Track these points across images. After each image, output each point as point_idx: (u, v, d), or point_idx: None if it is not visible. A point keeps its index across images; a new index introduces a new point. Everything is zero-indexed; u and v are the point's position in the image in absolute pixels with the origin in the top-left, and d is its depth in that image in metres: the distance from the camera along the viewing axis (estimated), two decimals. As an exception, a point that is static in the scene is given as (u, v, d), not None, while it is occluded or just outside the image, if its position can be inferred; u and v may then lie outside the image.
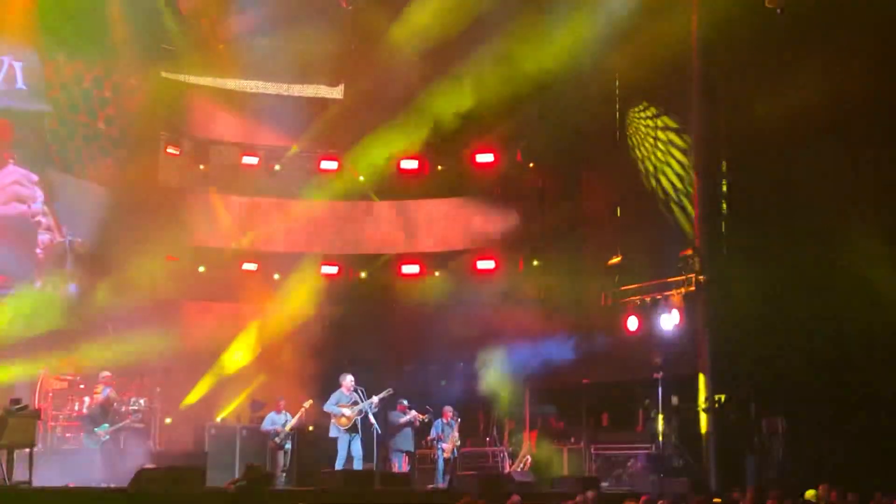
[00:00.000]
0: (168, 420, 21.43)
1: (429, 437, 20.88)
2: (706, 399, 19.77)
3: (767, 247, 19.17)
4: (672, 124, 21.90)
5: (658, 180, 22.10)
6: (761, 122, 19.06)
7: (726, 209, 20.10)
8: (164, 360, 21.48)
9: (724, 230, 20.12)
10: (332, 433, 19.17)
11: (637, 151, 22.60)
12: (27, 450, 15.49)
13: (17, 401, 15.82)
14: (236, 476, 16.28)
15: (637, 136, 22.67)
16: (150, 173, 23.46)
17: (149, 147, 23.58)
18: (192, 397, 22.59)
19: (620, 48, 21.30)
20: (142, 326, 21.11)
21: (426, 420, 20.72)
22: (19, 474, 15.35)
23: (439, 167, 26.27)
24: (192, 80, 24.34)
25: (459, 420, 21.23)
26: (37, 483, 15.05)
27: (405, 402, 20.64)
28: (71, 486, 15.48)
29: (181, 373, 22.20)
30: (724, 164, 20.25)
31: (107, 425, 18.18)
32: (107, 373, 19.34)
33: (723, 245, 20.08)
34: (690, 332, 20.39)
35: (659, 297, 21.02)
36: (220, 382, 23.03)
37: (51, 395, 19.51)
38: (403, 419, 20.45)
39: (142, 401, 19.77)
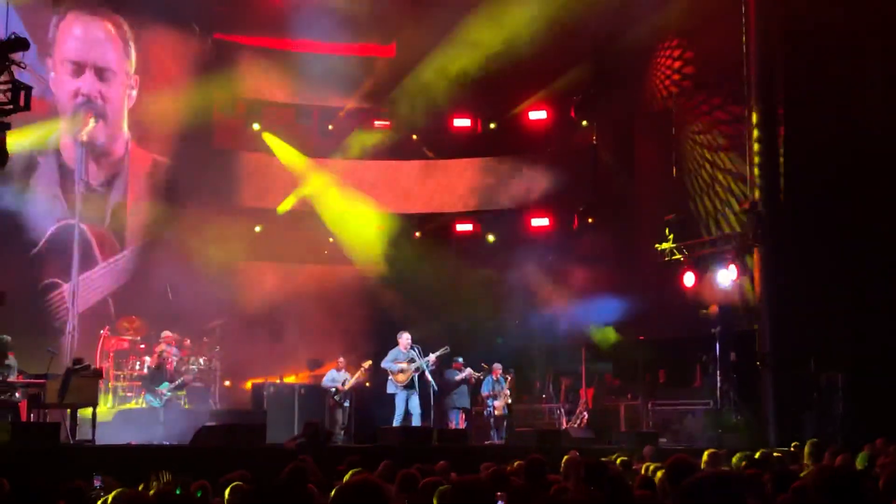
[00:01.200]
0: (227, 383, 21.65)
1: (483, 394, 20.93)
2: (765, 354, 19.60)
3: (827, 199, 18.91)
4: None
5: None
6: (822, 73, 18.79)
7: (784, 161, 19.80)
8: (222, 320, 21.63)
9: (782, 183, 19.84)
10: (390, 389, 19.30)
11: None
12: (90, 409, 15.75)
13: (79, 360, 16.08)
14: (296, 433, 16.44)
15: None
16: (204, 136, 23.55)
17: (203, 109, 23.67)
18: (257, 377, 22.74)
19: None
20: (200, 287, 21.29)
21: (481, 377, 20.80)
22: (82, 433, 15.62)
23: (492, 125, 26.19)
24: (245, 40, 24.36)
25: (510, 377, 21.24)
26: (99, 441, 15.29)
27: (461, 360, 20.72)
28: (133, 444, 15.72)
29: (239, 333, 22.37)
30: (781, 113, 19.90)
31: (167, 383, 18.41)
32: (167, 333, 19.57)
33: (781, 198, 19.80)
34: (748, 287, 20.20)
35: (716, 252, 20.86)
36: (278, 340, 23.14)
37: (112, 354, 19.76)
38: (459, 377, 20.53)
39: (201, 360, 20.04)
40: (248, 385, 22.27)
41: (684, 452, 9.28)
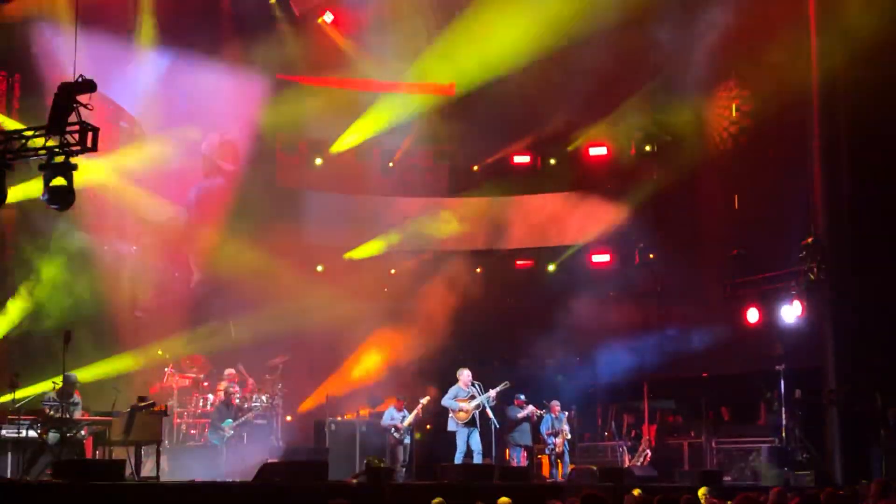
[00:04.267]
0: (289, 418, 21.74)
1: (543, 433, 20.83)
2: (830, 390, 19.34)
3: (893, 230, 18.69)
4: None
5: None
6: (887, 102, 18.60)
7: (849, 195, 19.58)
8: (284, 357, 21.75)
9: (846, 216, 19.62)
10: (451, 427, 19.24)
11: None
12: (154, 446, 15.91)
13: (143, 398, 16.23)
14: (357, 470, 16.47)
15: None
16: (269, 175, 23.81)
17: (267, 149, 23.94)
18: (311, 402, 22.91)
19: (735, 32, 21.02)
20: (262, 325, 21.45)
21: (543, 414, 20.72)
22: (147, 470, 15.77)
23: (552, 161, 26.22)
24: (307, 80, 24.62)
25: (568, 413, 21.14)
26: (164, 478, 15.41)
27: (522, 398, 20.64)
28: (197, 480, 15.82)
29: (301, 370, 22.51)
30: (845, 148, 19.71)
31: (230, 420, 18.54)
32: (231, 371, 19.72)
33: (845, 232, 19.58)
34: (813, 323, 19.94)
35: (780, 287, 20.63)
36: (341, 385, 23.26)
37: (176, 392, 19.93)
38: (521, 414, 20.45)
39: (264, 397, 20.15)
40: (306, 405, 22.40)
41: (750, 491, 9.19)
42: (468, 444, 18.99)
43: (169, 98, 22.02)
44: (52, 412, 15.46)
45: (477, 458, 18.90)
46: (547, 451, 20.74)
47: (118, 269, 21.11)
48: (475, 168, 26.08)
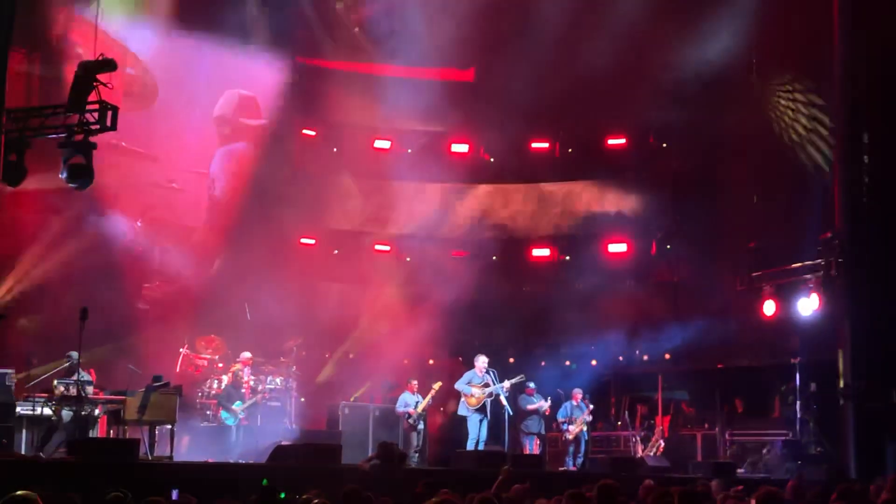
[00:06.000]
0: (302, 399, 21.72)
1: (558, 420, 20.79)
2: (846, 385, 19.24)
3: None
4: (817, 100, 21.39)
5: (804, 149, 21.53)
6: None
7: (868, 191, 19.44)
8: (299, 340, 21.74)
9: (866, 212, 19.49)
10: (461, 411, 19.23)
11: (778, 124, 22.07)
12: (168, 426, 15.91)
13: (158, 378, 16.22)
14: (370, 454, 16.47)
15: (778, 111, 22.13)
16: (287, 157, 23.77)
17: (286, 131, 23.88)
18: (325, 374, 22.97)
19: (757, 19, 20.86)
20: (278, 307, 21.43)
21: (546, 414, 20.70)
22: (161, 450, 15.78)
23: (570, 150, 26.11)
24: (327, 64, 24.57)
25: (590, 403, 21.09)
26: (177, 458, 15.44)
27: (532, 386, 20.55)
28: (210, 461, 15.84)
29: (314, 352, 22.50)
30: (866, 144, 19.56)
31: (240, 402, 18.52)
32: (247, 354, 19.64)
33: (864, 227, 19.45)
34: (830, 317, 19.82)
35: (797, 280, 20.52)
36: (353, 361, 23.26)
37: (190, 373, 19.92)
38: (531, 406, 20.38)
39: (278, 380, 20.12)
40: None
41: (769, 485, 9.15)
42: (478, 432, 18.97)
43: (183, 51, 21.77)
44: (63, 390, 15.50)
45: (481, 447, 18.88)
46: (563, 440, 20.69)
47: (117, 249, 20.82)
48: (492, 155, 25.95)
